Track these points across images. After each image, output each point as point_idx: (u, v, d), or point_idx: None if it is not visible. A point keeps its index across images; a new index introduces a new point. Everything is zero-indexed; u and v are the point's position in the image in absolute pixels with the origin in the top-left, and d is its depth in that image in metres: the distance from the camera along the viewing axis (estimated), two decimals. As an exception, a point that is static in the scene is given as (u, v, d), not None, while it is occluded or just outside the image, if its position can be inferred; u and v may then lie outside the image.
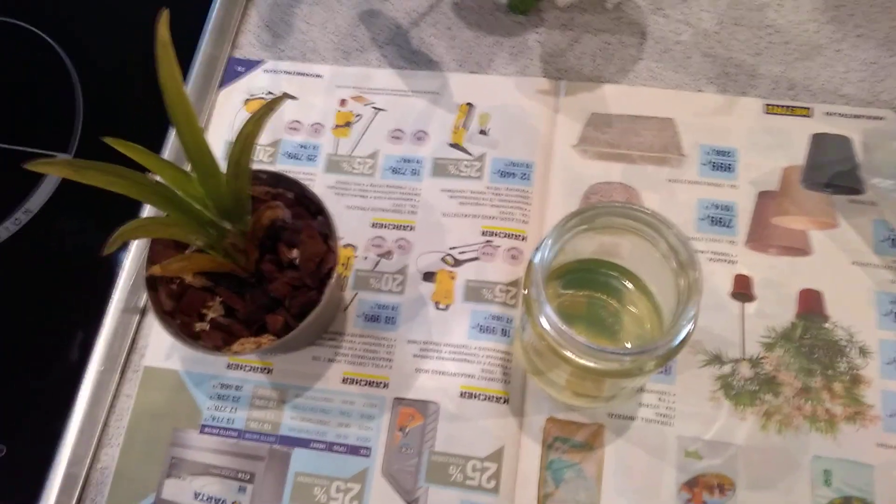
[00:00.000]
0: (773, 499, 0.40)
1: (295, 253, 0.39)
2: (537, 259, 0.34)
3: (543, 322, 0.33)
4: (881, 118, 0.49)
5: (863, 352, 0.43)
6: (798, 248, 0.46)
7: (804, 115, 0.49)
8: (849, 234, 0.46)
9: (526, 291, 0.35)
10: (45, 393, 0.45)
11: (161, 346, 0.46)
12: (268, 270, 0.39)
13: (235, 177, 0.35)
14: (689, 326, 0.31)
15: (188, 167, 0.35)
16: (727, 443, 0.42)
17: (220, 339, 0.38)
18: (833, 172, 0.47)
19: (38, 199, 0.50)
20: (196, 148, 0.34)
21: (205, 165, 0.35)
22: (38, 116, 0.54)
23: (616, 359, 0.32)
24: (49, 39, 0.56)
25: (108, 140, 0.31)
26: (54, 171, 0.31)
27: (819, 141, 0.48)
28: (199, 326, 0.39)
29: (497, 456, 0.42)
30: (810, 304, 0.44)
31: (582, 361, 0.33)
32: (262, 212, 0.38)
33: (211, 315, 0.39)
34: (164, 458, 0.43)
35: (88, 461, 0.43)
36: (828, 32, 0.52)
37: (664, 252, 0.34)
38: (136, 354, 0.46)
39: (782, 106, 0.49)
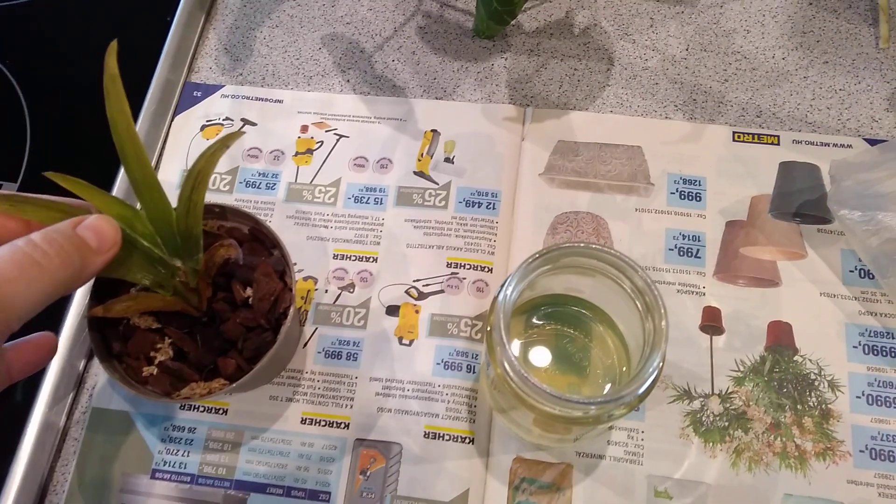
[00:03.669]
0: (745, 540, 0.39)
1: (249, 291, 0.38)
2: (500, 299, 0.33)
3: (506, 366, 0.32)
4: (849, 146, 0.48)
5: (832, 385, 0.42)
6: (767, 278, 0.45)
7: (772, 143, 0.49)
8: (817, 265, 0.45)
9: (489, 329, 0.34)
10: (-14, 437, 0.43)
11: (109, 386, 0.44)
12: (220, 310, 0.37)
13: (186, 214, 0.34)
14: (655, 374, 0.30)
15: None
16: (697, 481, 0.41)
17: (169, 383, 0.36)
18: (801, 201, 0.47)
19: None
20: (145, 184, 0.32)
21: (154, 202, 0.33)
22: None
23: (581, 408, 0.31)
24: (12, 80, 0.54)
25: (51, 175, 0.29)
26: None
27: (787, 169, 0.48)
28: (146, 371, 0.37)
29: (462, 499, 0.40)
30: (780, 337, 0.44)
31: (545, 408, 0.32)
32: (216, 249, 0.36)
33: (160, 358, 0.37)
34: (112, 506, 0.41)
35: (32, 510, 0.41)
36: (795, 59, 0.51)
37: (631, 293, 0.33)
38: (83, 395, 0.44)
39: (750, 134, 0.49)
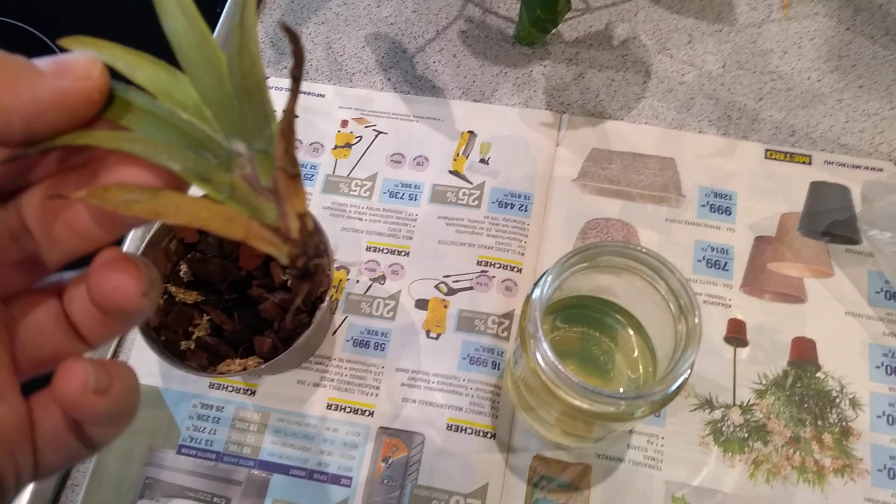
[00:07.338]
0: (760, 550, 0.40)
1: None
2: (536, 294, 0.33)
3: (539, 358, 0.32)
4: (880, 169, 0.49)
5: (854, 403, 0.43)
6: (793, 294, 0.46)
7: (804, 163, 0.49)
8: (844, 284, 0.46)
9: (524, 322, 0.35)
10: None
11: (142, 361, 0.45)
12: (256, 295, 0.38)
13: (240, 51, 0.19)
14: (687, 373, 0.31)
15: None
16: (715, 490, 0.41)
17: (206, 358, 0.37)
18: (830, 221, 0.47)
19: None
20: (188, 25, 0.19)
21: (200, 53, 0.20)
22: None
23: (611, 402, 0.31)
24: (46, 40, 0.55)
25: (65, 41, 0.19)
26: None
27: (818, 189, 0.48)
28: (184, 345, 0.38)
29: (481, 493, 0.41)
30: (803, 353, 0.44)
31: (575, 402, 0.32)
32: (288, 110, 0.18)
33: (198, 333, 0.38)
34: (138, 478, 0.42)
35: (59, 478, 0.42)
36: (830, 82, 0.52)
37: (664, 295, 0.34)
38: (116, 368, 0.45)
39: (783, 152, 0.50)
